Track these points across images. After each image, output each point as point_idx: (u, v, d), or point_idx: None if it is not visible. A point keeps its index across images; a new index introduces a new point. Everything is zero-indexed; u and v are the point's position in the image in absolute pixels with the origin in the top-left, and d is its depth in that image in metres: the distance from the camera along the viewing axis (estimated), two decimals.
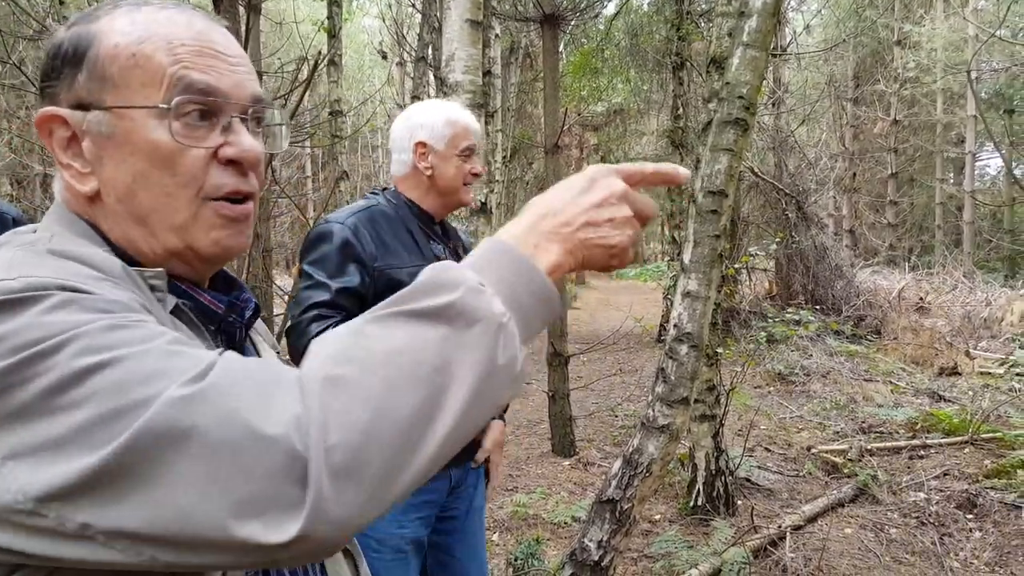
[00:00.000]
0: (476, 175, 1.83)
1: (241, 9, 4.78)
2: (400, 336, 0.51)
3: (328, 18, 6.52)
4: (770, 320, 7.29)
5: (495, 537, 3.70)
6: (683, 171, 0.69)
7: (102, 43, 0.67)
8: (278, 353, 0.89)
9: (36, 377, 0.48)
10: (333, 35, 6.45)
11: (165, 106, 0.66)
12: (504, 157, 8.58)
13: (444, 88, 2.98)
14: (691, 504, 3.98)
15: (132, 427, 0.45)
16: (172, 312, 0.67)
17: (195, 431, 0.45)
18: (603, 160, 17.53)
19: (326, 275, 1.63)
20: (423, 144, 1.78)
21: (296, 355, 1.61)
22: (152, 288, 0.65)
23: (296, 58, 6.15)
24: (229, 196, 0.70)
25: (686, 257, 2.85)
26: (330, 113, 6.73)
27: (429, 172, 1.78)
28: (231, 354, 0.52)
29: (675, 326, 2.83)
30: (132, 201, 0.68)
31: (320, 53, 5.62)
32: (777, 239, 5.72)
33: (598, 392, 7.04)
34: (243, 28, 4.57)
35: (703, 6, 10.81)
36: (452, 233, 1.93)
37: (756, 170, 9.58)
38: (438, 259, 1.75)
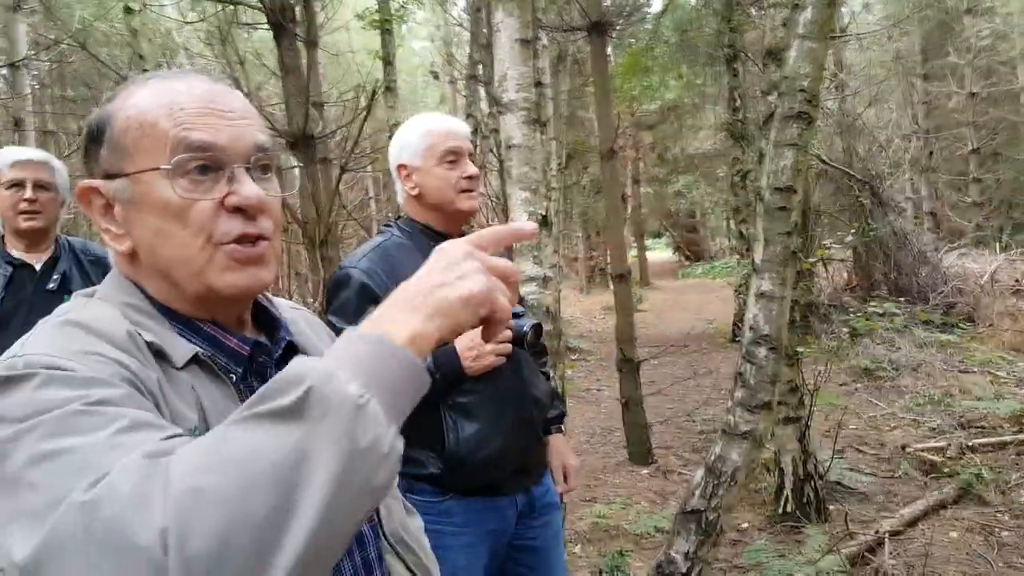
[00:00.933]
0: (469, 178, 1.74)
1: (300, 45, 4.96)
2: (254, 439, 0.53)
3: (382, 47, 6.69)
4: (852, 313, 6.98)
5: (576, 549, 3.66)
6: (528, 226, 0.72)
7: (117, 119, 0.76)
8: None
9: (15, 452, 0.57)
10: (388, 62, 6.61)
11: (167, 166, 0.73)
12: (559, 164, 8.57)
13: (499, 108, 3.00)
14: (779, 511, 3.83)
15: (49, 521, 0.52)
16: (193, 360, 0.75)
17: (82, 536, 0.51)
18: (660, 158, 17.25)
19: (346, 321, 1.63)
20: (403, 166, 1.75)
21: None
22: (157, 352, 0.72)
23: (353, 86, 6.32)
24: (241, 240, 0.76)
25: (757, 257, 2.76)
26: (390, 137, 6.88)
27: (416, 191, 1.74)
28: (149, 446, 0.56)
29: (751, 328, 2.74)
30: (156, 256, 0.77)
31: (377, 81, 5.77)
32: (852, 229, 5.47)
33: (672, 397, 6.90)
34: (304, 63, 4.74)
35: None
36: None
37: (824, 157, 9.22)
38: None
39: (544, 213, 2.88)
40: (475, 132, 6.69)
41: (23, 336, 0.71)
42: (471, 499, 1.68)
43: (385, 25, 6.71)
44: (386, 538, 0.89)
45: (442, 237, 1.76)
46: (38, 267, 2.30)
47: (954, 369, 6.75)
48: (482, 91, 7.55)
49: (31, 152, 2.33)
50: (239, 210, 0.76)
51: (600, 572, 3.12)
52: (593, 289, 18.31)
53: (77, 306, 0.76)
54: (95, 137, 0.78)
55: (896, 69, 14.62)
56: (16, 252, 2.30)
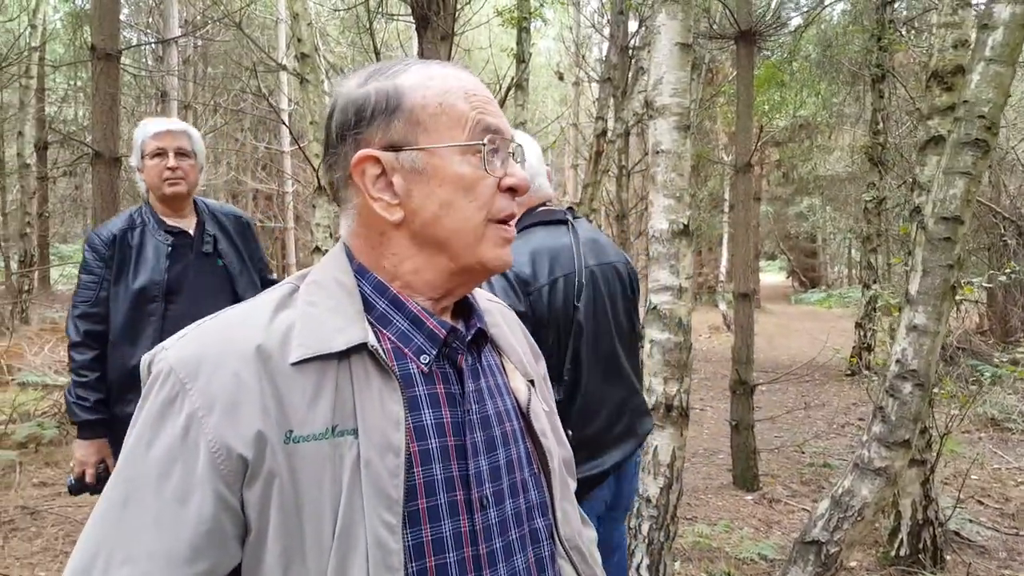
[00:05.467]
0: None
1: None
2: None
3: (517, 43, 6.79)
4: (981, 358, 6.44)
5: (677, 566, 3.60)
6: None
7: (412, 96, 0.80)
8: (531, 382, 0.93)
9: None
10: (522, 60, 6.70)
11: (479, 143, 0.79)
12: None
13: (650, 111, 2.99)
14: (893, 554, 3.63)
15: None
16: (362, 350, 0.75)
17: None
18: (785, 176, 16.57)
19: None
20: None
21: None
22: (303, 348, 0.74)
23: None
24: (505, 219, 0.82)
25: (913, 288, 2.62)
26: None
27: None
28: None
29: (897, 362, 2.61)
30: (436, 225, 0.79)
31: (512, 79, 5.88)
32: (1007, 270, 5.07)
33: (782, 426, 6.63)
34: (441, 56, 4.89)
35: (905, 12, 9.92)
36: None
37: None
38: None
39: (686, 222, 2.84)
40: (603, 135, 6.68)
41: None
42: None
43: (523, 23, 6.81)
44: (561, 543, 0.88)
45: None
46: (191, 232, 2.40)
47: None
48: (611, 98, 7.50)
49: (170, 122, 2.40)
50: (510, 190, 0.82)
51: None
52: (699, 308, 17.83)
53: (263, 303, 0.79)
54: (384, 110, 0.80)
55: None
56: (170, 220, 2.37)
